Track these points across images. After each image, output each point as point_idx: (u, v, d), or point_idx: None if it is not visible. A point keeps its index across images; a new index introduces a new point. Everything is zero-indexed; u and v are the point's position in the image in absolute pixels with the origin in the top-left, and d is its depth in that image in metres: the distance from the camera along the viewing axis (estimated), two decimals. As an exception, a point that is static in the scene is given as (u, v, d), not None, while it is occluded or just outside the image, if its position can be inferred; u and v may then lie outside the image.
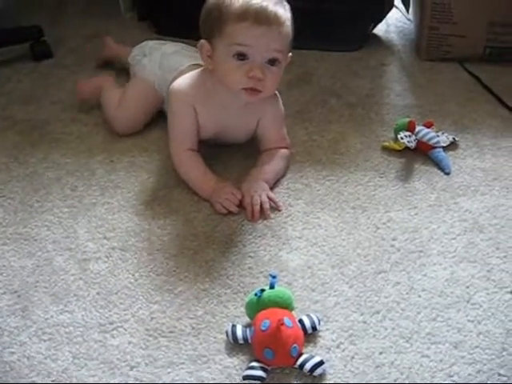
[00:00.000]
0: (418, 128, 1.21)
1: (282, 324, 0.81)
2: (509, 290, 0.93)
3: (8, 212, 1.12)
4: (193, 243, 1.03)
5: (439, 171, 1.17)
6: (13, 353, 0.87)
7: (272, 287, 0.87)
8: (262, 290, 0.86)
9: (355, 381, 0.81)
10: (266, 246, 1.02)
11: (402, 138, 1.18)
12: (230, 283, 0.96)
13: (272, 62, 1.05)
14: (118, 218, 1.09)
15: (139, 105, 1.30)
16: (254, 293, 0.87)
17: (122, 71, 1.48)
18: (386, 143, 1.23)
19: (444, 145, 1.21)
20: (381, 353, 0.84)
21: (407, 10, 1.70)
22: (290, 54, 1.10)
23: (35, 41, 1.61)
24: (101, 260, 1.01)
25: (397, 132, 1.23)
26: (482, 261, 0.98)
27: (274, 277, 0.88)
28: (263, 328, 0.82)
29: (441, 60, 1.52)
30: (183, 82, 1.15)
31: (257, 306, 0.86)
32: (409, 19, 1.73)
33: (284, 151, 1.18)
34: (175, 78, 1.19)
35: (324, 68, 1.52)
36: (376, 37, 1.66)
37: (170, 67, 1.25)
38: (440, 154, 1.19)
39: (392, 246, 1.01)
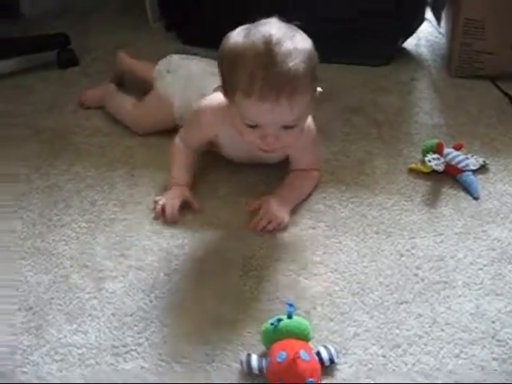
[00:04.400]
0: (446, 150, 1.17)
1: (299, 357, 0.78)
2: (539, 327, 0.89)
3: (27, 224, 1.11)
4: (210, 265, 1.01)
5: (467, 196, 1.13)
6: (25, 372, 0.86)
7: (289, 317, 0.84)
8: (279, 320, 0.84)
9: (372, 419, 0.78)
10: (285, 270, 0.99)
11: (429, 161, 1.14)
12: (246, 309, 0.93)
13: (287, 127, 1.00)
14: (136, 236, 1.07)
15: (152, 122, 1.32)
16: (270, 322, 0.84)
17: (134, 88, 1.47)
18: (413, 165, 1.19)
19: (473, 168, 1.17)
20: (400, 391, 0.81)
21: (439, 24, 1.66)
22: (319, 88, 1.02)
23: (62, 49, 1.61)
24: (117, 279, 0.99)
25: (424, 154, 1.19)
26: (509, 294, 0.94)
27: (291, 305, 0.85)
28: (279, 360, 0.79)
29: (472, 77, 1.48)
30: (212, 105, 1.11)
31: (273, 335, 0.83)
32: (440, 33, 1.69)
33: (314, 174, 1.16)
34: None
35: (350, 83, 1.49)
36: (406, 51, 1.61)
37: (194, 92, 1.22)
38: (469, 177, 1.15)
39: (415, 275, 0.98)
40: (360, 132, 1.32)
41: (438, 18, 1.61)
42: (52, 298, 0.97)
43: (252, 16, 1.55)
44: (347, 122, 1.35)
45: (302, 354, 0.79)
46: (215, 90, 1.14)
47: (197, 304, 0.94)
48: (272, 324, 0.83)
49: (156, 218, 1.10)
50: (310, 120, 1.09)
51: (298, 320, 0.85)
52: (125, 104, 1.37)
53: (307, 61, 0.97)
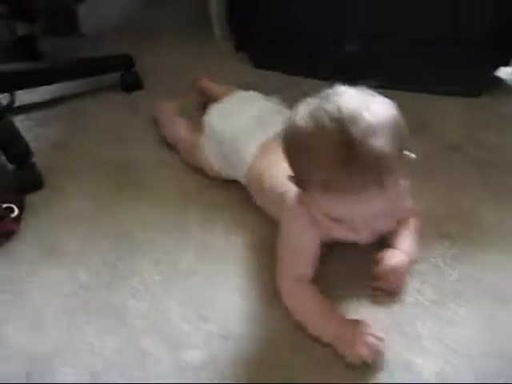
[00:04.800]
0: None
1: None
2: None
3: (90, 277, 1.00)
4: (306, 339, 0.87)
5: None
6: None
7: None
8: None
9: None
10: (391, 343, 0.85)
11: (553, 216, 0.98)
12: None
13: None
14: (218, 296, 0.95)
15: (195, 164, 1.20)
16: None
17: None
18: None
19: None
20: None
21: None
22: (406, 152, 0.82)
23: (125, 71, 1.51)
24: (197, 347, 0.87)
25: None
26: None
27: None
28: None
29: None
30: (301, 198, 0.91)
31: None
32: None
33: (416, 223, 0.99)
34: (254, 173, 1.04)
35: (441, 116, 1.33)
36: (501, 81, 1.45)
37: (235, 161, 1.08)
38: None
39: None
40: (459, 173, 1.16)
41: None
42: (118, 366, 0.85)
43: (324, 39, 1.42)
44: (444, 161, 1.19)
45: None
46: (257, 155, 1.02)
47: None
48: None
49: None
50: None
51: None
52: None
53: (392, 132, 0.78)
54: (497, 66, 1.42)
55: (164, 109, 1.37)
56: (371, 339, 0.82)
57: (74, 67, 1.50)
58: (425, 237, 1.01)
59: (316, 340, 0.85)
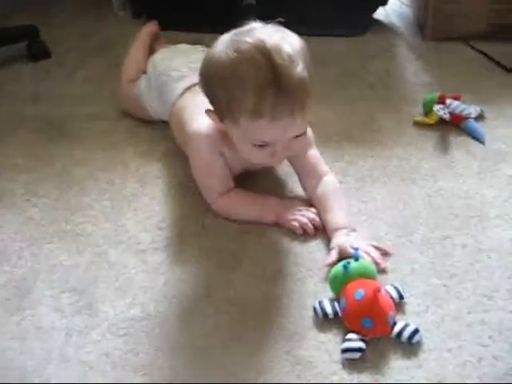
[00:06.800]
0: (448, 101, 1.23)
1: (379, 291, 0.80)
2: None
3: (45, 211, 1.06)
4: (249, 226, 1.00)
5: (474, 141, 1.19)
6: (88, 352, 0.81)
7: (357, 259, 0.85)
8: (348, 263, 0.85)
9: (451, 343, 0.80)
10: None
11: (438, 111, 1.19)
12: (300, 261, 0.94)
13: (297, 135, 0.93)
14: (167, 209, 1.05)
15: (128, 108, 1.30)
16: (341, 264, 0.85)
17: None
18: (418, 118, 1.24)
19: (474, 116, 1.23)
20: (469, 312, 0.84)
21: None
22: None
23: (32, 41, 1.54)
24: (160, 250, 0.96)
25: (426, 107, 1.24)
26: (539, 220, 1.00)
27: (356, 249, 0.86)
28: (358, 297, 0.80)
29: (446, 39, 1.55)
30: (203, 126, 1.00)
31: (343, 278, 0.84)
32: (403, 3, 1.77)
33: (331, 181, 1.03)
34: (176, 112, 1.11)
35: (335, 53, 1.52)
36: (378, 21, 1.68)
37: (164, 96, 1.17)
38: (473, 124, 1.21)
39: (450, 212, 1.02)
40: (357, 94, 1.36)
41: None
42: (95, 277, 0.92)
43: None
44: (345, 86, 1.38)
45: (382, 289, 0.81)
46: (184, 94, 1.10)
47: (247, 259, 0.94)
48: (344, 267, 0.84)
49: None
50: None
51: (364, 262, 0.86)
52: (126, 74, 1.33)
53: (306, 60, 0.89)
54: (375, 9, 1.65)
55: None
56: (307, 213, 0.98)
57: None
58: (336, 143, 1.19)
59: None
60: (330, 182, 1.03)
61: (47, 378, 0.78)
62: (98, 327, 0.84)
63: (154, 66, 1.24)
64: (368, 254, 0.90)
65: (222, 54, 0.89)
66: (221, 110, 0.93)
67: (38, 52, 1.54)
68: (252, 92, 0.86)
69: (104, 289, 0.90)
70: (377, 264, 0.89)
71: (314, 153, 1.04)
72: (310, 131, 1.00)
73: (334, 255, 0.90)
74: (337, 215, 0.97)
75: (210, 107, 0.96)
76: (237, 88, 0.87)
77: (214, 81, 0.92)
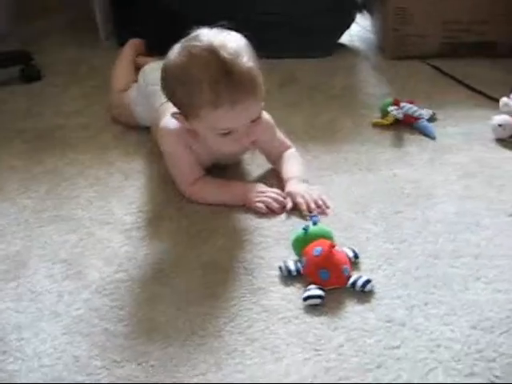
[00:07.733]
0: (402, 104, 1.37)
1: (334, 246, 0.91)
2: (508, 213, 1.08)
3: (38, 201, 1.16)
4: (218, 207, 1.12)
5: (426, 138, 1.33)
6: (78, 308, 0.91)
7: (315, 224, 0.97)
8: (307, 226, 0.96)
9: (401, 291, 0.91)
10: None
11: (392, 111, 1.33)
12: (267, 233, 1.05)
13: (253, 120, 1.05)
14: (149, 197, 1.17)
15: (118, 114, 1.44)
16: (302, 228, 0.96)
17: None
18: (376, 120, 1.38)
19: (426, 118, 1.37)
20: (417, 268, 0.95)
21: (372, 16, 1.90)
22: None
23: (25, 64, 1.68)
24: (142, 228, 1.07)
25: (383, 110, 1.38)
26: (481, 196, 1.13)
27: (315, 216, 0.98)
28: (316, 253, 0.91)
29: (404, 58, 1.72)
30: (170, 121, 1.12)
31: (304, 241, 0.95)
32: (366, 29, 1.95)
33: (292, 151, 1.21)
34: (157, 117, 1.20)
35: (305, 71, 1.68)
36: (343, 45, 1.85)
37: (150, 104, 1.28)
38: (424, 123, 1.35)
39: (402, 193, 1.14)
40: (322, 104, 1.50)
41: (371, 12, 1.87)
42: (84, 251, 1.03)
43: (206, 20, 1.71)
44: (311, 98, 1.53)
45: (336, 246, 0.92)
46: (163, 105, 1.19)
47: (221, 234, 1.05)
48: (304, 229, 0.95)
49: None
50: (263, 112, 1.11)
51: (322, 226, 0.98)
52: (115, 84, 1.47)
53: (250, 53, 1.03)
54: (341, 33, 1.82)
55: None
56: (272, 194, 1.10)
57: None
58: (301, 141, 1.32)
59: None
60: (290, 151, 1.21)
61: (39, 331, 0.87)
62: (87, 289, 0.94)
63: (143, 77, 1.38)
64: (302, 197, 1.05)
65: (177, 58, 1.03)
66: (183, 108, 1.06)
67: (32, 74, 1.67)
68: (207, 86, 0.99)
69: (92, 259, 1.01)
70: (307, 208, 1.05)
71: (277, 137, 1.19)
72: (271, 120, 1.16)
73: (289, 203, 1.06)
74: (289, 168, 1.13)
75: (176, 110, 1.08)
76: (194, 85, 1.01)
77: (173, 83, 1.05)
